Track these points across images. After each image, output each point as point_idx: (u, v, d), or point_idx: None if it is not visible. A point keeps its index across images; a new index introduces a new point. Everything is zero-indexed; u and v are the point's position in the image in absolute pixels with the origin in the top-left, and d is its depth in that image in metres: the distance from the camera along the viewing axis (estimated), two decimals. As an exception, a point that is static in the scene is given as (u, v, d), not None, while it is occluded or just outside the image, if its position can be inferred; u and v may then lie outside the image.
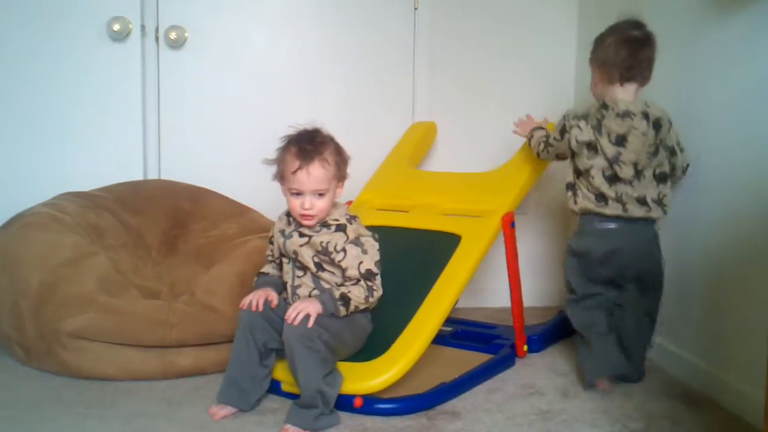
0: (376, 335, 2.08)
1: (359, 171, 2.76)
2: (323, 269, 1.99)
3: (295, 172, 1.94)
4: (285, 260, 2.07)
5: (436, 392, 2.04)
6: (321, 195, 1.96)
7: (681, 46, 2.31)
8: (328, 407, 1.86)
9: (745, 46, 2.00)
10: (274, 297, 2.00)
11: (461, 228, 2.37)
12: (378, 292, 2.00)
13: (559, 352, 2.54)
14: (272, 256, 2.14)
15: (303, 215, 1.97)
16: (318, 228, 2.00)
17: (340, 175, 2.00)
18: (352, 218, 2.03)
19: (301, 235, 2.01)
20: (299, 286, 2.02)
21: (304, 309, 1.87)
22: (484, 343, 2.49)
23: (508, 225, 2.38)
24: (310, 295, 1.99)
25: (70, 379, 2.15)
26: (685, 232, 2.26)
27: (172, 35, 2.87)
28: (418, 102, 3.11)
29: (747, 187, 1.95)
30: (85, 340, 2.14)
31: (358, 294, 1.95)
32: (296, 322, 1.85)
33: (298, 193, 1.96)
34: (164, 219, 2.67)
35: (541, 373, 2.32)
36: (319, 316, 1.88)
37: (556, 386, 2.19)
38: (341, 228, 1.99)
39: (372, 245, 2.01)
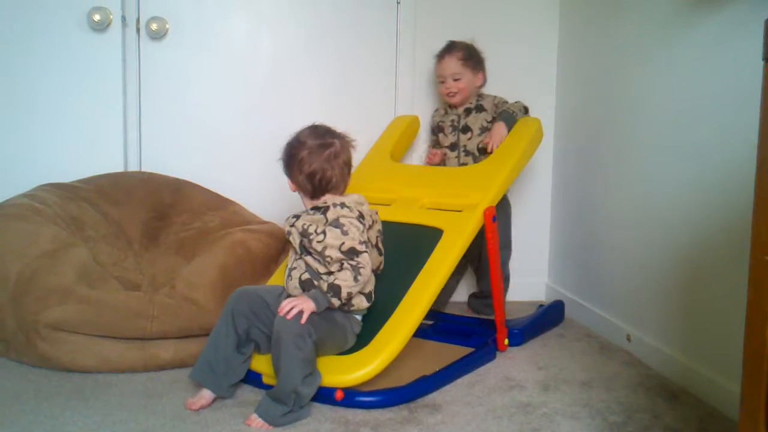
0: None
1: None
2: (308, 253, 2.02)
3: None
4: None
5: (416, 385, 2.05)
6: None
7: (657, 46, 2.33)
8: (301, 406, 1.87)
9: (720, 44, 2.01)
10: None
11: (443, 222, 2.38)
12: (366, 269, 1.99)
13: (539, 345, 2.56)
14: None
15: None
16: (311, 211, 2.07)
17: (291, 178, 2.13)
18: (342, 206, 2.04)
19: (294, 216, 2.09)
20: (294, 268, 2.06)
21: (298, 305, 1.89)
22: (465, 336, 2.50)
23: (490, 219, 2.39)
24: (300, 278, 2.02)
25: (50, 372, 2.14)
26: (662, 227, 2.28)
27: (153, 26, 2.85)
28: (401, 96, 3.11)
29: (722, 182, 1.97)
30: (64, 331, 2.12)
31: (345, 278, 1.96)
32: (289, 316, 1.86)
33: None
34: (145, 211, 2.65)
35: (522, 366, 2.33)
36: (313, 314, 1.90)
37: (536, 380, 2.20)
38: (325, 211, 2.03)
39: (354, 226, 2.01)
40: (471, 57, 2.88)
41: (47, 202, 2.44)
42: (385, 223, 2.41)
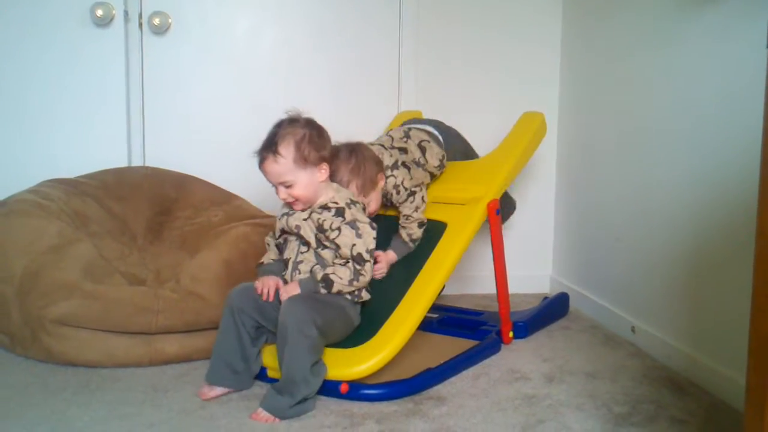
0: (363, 321, 2.09)
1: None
2: (323, 246, 2.04)
3: (260, 168, 2.06)
4: (290, 237, 2.10)
5: (421, 378, 2.05)
6: (289, 186, 2.02)
7: (661, 39, 2.32)
8: (307, 397, 1.86)
9: (724, 36, 2.01)
10: (273, 281, 2.04)
11: (447, 215, 2.38)
12: (365, 278, 2.03)
13: (544, 338, 2.56)
14: (274, 237, 2.18)
15: (286, 203, 2.08)
16: (319, 210, 2.04)
17: (308, 159, 2.01)
18: (352, 203, 2.07)
19: (303, 211, 2.07)
20: (301, 261, 2.05)
21: (286, 293, 1.95)
22: (470, 329, 2.50)
23: (493, 212, 2.39)
24: (311, 271, 2.02)
25: (56, 366, 2.14)
26: (666, 218, 2.28)
27: (156, 21, 2.85)
28: (405, 90, 3.10)
29: (726, 172, 1.97)
30: (70, 326, 2.13)
31: (342, 275, 1.99)
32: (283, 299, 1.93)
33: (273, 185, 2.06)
34: (149, 206, 2.65)
35: (527, 358, 2.33)
36: (317, 300, 1.94)
37: (541, 371, 2.20)
38: (340, 212, 2.04)
39: (368, 232, 2.04)
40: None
41: (52, 197, 2.45)
42: (389, 217, 2.41)
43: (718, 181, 2.02)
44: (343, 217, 2.03)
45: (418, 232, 2.35)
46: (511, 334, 2.47)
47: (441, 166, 2.53)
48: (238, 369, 1.98)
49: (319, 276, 1.99)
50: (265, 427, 1.78)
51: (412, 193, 2.36)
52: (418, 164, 2.44)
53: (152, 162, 2.88)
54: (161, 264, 2.49)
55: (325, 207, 2.05)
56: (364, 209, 2.12)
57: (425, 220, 2.36)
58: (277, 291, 2.01)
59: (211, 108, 2.96)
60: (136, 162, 2.90)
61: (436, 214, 2.40)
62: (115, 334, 2.16)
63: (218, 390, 1.96)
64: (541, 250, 3.28)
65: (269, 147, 2.02)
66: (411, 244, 2.35)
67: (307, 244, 2.05)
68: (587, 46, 2.94)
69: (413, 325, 2.07)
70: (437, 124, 2.66)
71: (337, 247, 2.01)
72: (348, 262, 2.01)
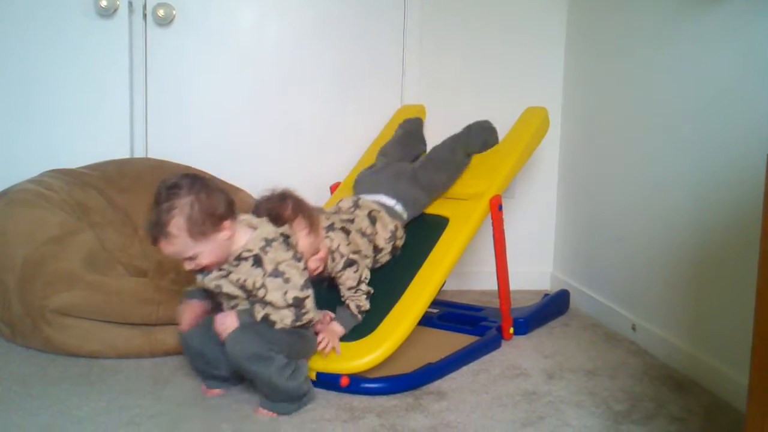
0: (364, 316, 2.09)
1: (348, 152, 2.77)
2: (254, 297, 1.84)
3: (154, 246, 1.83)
4: None
5: (422, 372, 2.05)
6: (192, 258, 1.80)
7: (665, 36, 2.32)
8: (300, 396, 1.84)
9: (728, 34, 2.00)
10: (200, 306, 1.92)
11: (449, 210, 2.38)
12: (309, 315, 1.85)
13: (545, 334, 2.56)
14: None
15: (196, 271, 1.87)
16: (235, 262, 1.83)
17: (205, 231, 1.76)
18: (268, 244, 1.84)
19: (220, 269, 1.85)
20: (236, 305, 1.87)
21: (222, 324, 1.80)
22: (471, 325, 2.50)
23: (496, 208, 2.39)
24: (248, 311, 1.85)
25: (56, 356, 2.14)
26: (668, 216, 2.28)
27: (160, 12, 2.84)
28: (408, 84, 3.09)
29: (728, 171, 1.96)
30: (70, 317, 2.13)
31: (284, 316, 1.81)
32: (222, 338, 1.78)
33: None
34: (151, 197, 2.64)
35: (527, 355, 2.33)
36: (269, 329, 1.81)
37: (541, 368, 2.20)
38: (257, 261, 1.82)
39: (294, 268, 1.84)
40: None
41: (54, 187, 2.45)
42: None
43: (721, 179, 2.02)
44: (262, 267, 1.81)
45: (366, 304, 2.10)
46: (511, 330, 2.47)
47: (393, 238, 2.29)
48: (227, 376, 1.92)
49: (259, 317, 1.81)
50: (266, 420, 1.78)
51: (351, 264, 2.13)
52: (363, 234, 2.23)
53: (155, 154, 2.88)
54: (163, 256, 2.48)
55: (239, 257, 1.82)
56: (286, 240, 1.89)
57: (372, 290, 2.14)
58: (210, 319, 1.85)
59: (214, 100, 2.96)
60: (139, 154, 2.89)
61: (438, 209, 2.40)
62: (115, 324, 2.16)
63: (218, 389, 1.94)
64: (542, 247, 3.27)
65: (158, 229, 1.76)
66: (359, 316, 2.09)
67: (235, 297, 1.86)
68: (591, 42, 2.93)
69: (414, 320, 2.07)
70: (399, 172, 2.49)
71: (270, 303, 1.81)
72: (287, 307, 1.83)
